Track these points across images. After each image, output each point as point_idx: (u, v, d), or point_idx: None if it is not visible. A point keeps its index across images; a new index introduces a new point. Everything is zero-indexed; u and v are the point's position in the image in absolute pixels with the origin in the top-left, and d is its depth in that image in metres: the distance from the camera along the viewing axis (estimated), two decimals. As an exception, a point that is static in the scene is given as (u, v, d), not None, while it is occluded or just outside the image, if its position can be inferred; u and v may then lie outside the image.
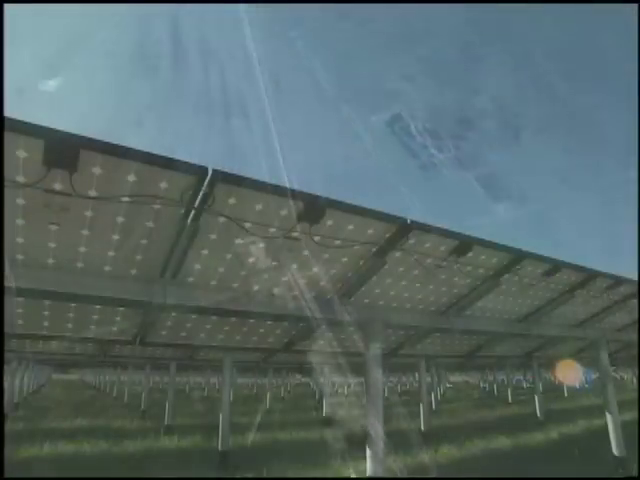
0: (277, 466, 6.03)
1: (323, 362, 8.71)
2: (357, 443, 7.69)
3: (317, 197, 2.63)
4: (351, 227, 2.96)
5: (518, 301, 4.81)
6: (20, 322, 3.64)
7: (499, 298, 4.60)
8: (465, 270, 3.88)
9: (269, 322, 4.11)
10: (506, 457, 6.67)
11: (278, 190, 2.51)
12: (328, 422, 11.00)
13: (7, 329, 3.74)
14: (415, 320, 4.38)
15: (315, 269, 3.27)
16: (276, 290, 3.33)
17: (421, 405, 8.52)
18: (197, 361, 7.11)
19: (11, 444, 7.29)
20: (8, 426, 9.78)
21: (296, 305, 3.43)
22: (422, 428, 8.22)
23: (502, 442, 7.89)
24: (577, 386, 18.69)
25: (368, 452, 3.49)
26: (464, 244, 3.49)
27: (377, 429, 3.49)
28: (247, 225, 2.70)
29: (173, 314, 3.66)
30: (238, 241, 2.83)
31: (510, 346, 7.12)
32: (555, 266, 4.20)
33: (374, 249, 3.22)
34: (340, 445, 7.43)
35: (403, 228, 3.07)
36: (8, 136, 2.07)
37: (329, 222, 2.85)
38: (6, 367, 11.82)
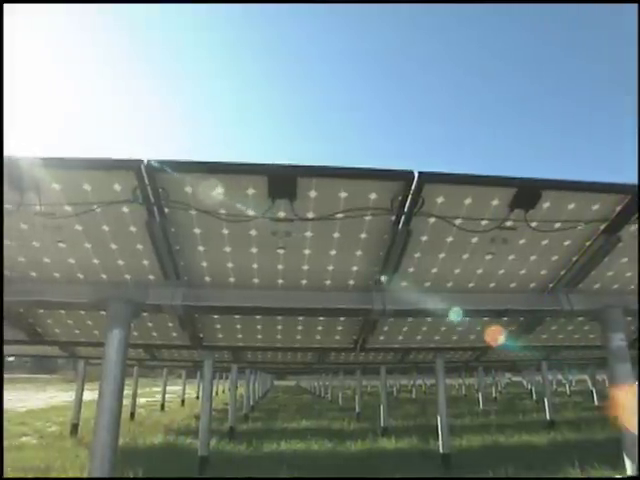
0: (503, 470, 5.67)
1: (543, 358, 7.97)
2: (592, 449, 6.78)
3: (530, 180, 2.42)
4: (572, 206, 2.63)
5: None
6: (259, 337, 4.20)
7: None
8: None
9: (486, 318, 3.93)
10: None
11: (487, 180, 2.39)
12: (553, 425, 10.00)
13: (249, 343, 4.36)
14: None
15: (534, 257, 3.01)
16: (493, 285, 3.17)
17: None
18: (405, 363, 7.21)
19: (256, 440, 8.40)
20: (249, 425, 11.30)
21: (516, 298, 3.21)
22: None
23: None
24: None
25: (627, 462, 3.03)
26: None
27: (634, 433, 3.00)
28: (458, 222, 2.63)
29: (390, 319, 3.78)
30: (450, 239, 2.79)
31: None
32: None
33: (603, 226, 2.81)
34: (574, 451, 6.63)
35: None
36: (236, 179, 2.41)
37: (546, 205, 2.59)
38: (241, 375, 13.77)
